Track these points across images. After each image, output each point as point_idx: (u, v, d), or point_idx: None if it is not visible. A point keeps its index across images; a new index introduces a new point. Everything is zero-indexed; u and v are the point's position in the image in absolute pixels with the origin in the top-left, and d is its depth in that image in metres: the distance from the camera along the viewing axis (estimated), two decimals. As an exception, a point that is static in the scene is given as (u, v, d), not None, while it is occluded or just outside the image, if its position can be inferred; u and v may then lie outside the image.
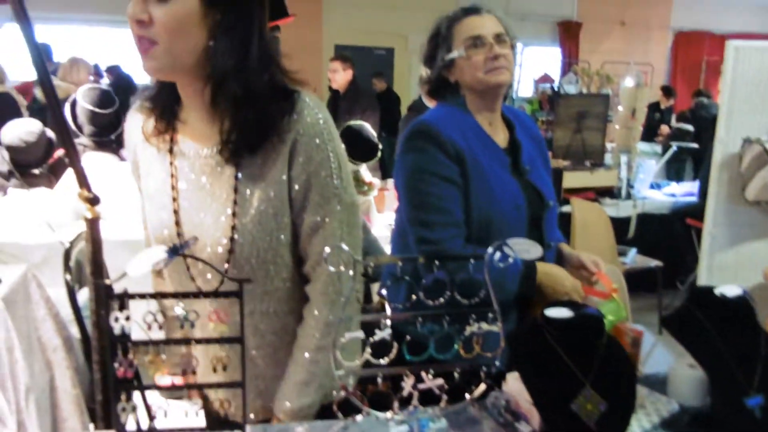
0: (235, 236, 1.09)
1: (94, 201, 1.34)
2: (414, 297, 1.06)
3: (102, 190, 3.52)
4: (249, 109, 1.04)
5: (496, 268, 1.07)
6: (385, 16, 8.25)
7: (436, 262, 1.04)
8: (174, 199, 1.13)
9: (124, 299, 0.93)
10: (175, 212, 1.13)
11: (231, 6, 1.01)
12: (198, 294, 0.96)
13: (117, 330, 0.92)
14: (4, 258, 2.78)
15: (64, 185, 3.15)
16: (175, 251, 0.93)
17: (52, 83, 1.39)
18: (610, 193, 4.64)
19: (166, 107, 1.12)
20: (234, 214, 1.09)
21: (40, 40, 5.54)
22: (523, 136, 1.60)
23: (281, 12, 3.32)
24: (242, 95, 1.04)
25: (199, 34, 1.01)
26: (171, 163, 1.13)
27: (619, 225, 4.25)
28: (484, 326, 1.07)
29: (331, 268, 0.98)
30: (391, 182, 4.13)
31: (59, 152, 3.40)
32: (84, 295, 2.19)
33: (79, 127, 3.26)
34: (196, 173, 1.12)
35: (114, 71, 5.99)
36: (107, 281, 0.92)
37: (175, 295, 0.98)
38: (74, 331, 1.94)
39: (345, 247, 1.00)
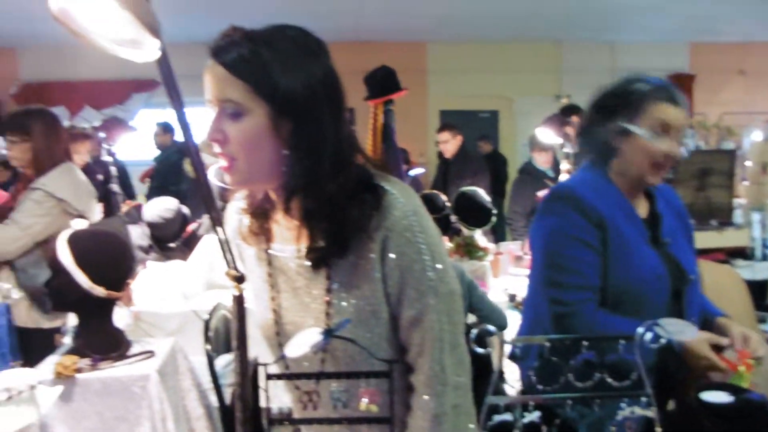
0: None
1: (240, 279, 1.43)
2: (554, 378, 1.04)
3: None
4: (324, 219, 1.03)
5: (647, 348, 1.03)
6: (490, 80, 8.35)
7: (585, 342, 1.02)
8: (273, 299, 1.15)
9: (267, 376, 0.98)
10: (275, 311, 1.15)
11: (300, 115, 1.00)
12: (349, 374, 1.00)
13: (275, 410, 0.96)
14: (144, 327, 2.99)
15: (197, 258, 3.38)
16: (329, 333, 0.97)
17: (202, 161, 1.52)
18: (743, 254, 4.32)
19: (259, 209, 1.14)
20: (328, 315, 1.08)
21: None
22: (664, 208, 1.57)
23: (395, 87, 3.47)
24: (313, 207, 1.03)
25: (274, 146, 1.01)
26: (269, 263, 1.15)
27: (756, 289, 3.92)
28: (638, 410, 1.02)
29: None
30: (504, 245, 4.09)
31: (192, 227, 3.67)
32: (220, 363, 2.30)
33: (211, 203, 3.51)
34: (291, 275, 1.13)
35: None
36: (267, 362, 0.97)
37: (329, 375, 1.02)
38: (213, 400, 2.03)
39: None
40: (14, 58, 7.80)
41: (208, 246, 3.41)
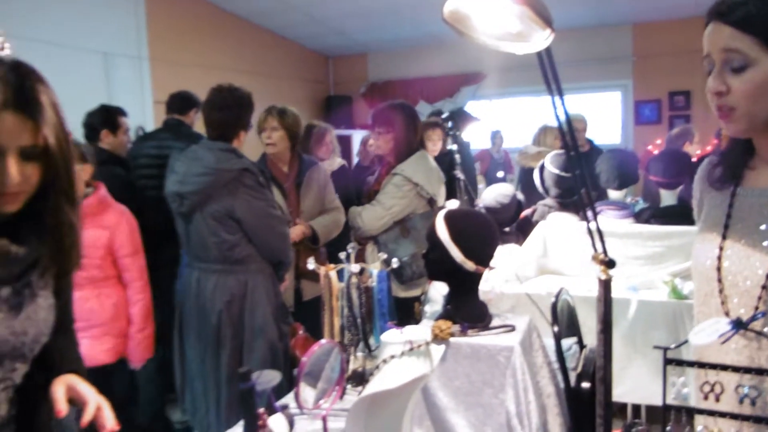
0: None
1: (609, 264, 1.43)
2: None
3: (565, 248, 3.70)
4: None
5: None
6: None
7: None
8: (724, 237, 1.18)
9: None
10: (721, 248, 1.18)
11: None
12: (759, 371, 0.93)
13: (672, 395, 0.95)
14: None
15: (531, 243, 3.47)
16: (740, 324, 0.92)
17: (578, 149, 1.56)
18: None
19: (735, 158, 1.22)
20: None
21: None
22: None
23: None
24: None
25: None
26: (730, 205, 1.20)
27: None
28: None
29: None
30: None
31: (526, 212, 3.78)
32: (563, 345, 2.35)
33: (546, 190, 3.57)
34: (753, 215, 1.16)
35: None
36: (668, 347, 0.96)
37: (735, 369, 0.96)
38: (559, 380, 2.08)
39: None
40: (365, 62, 9.00)
41: (542, 232, 3.48)
